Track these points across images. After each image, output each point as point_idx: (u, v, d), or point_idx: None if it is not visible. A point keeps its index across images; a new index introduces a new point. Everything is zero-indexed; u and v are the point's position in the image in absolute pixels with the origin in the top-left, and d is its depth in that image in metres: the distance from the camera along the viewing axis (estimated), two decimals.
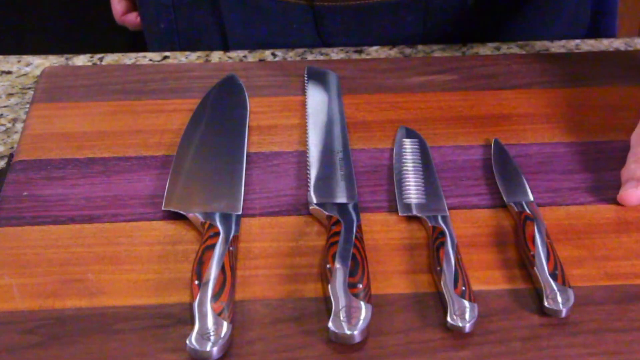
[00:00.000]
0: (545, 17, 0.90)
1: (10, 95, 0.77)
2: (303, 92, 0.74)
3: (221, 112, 0.71)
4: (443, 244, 0.56)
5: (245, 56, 0.83)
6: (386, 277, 0.56)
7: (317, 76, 0.76)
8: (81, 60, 0.82)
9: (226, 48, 0.88)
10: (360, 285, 0.53)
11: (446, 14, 0.86)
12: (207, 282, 0.53)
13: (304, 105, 0.73)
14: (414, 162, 0.66)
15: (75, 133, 0.69)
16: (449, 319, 0.51)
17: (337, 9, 0.85)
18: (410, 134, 0.69)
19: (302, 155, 0.67)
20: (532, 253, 0.56)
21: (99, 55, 0.82)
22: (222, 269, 0.54)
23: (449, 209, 0.61)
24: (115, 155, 0.67)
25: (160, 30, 0.92)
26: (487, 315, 0.53)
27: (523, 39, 0.86)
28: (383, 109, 0.73)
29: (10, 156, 0.68)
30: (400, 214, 0.61)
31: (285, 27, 0.87)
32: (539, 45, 0.85)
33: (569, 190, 0.64)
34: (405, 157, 0.66)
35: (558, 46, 0.85)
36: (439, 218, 0.60)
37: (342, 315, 0.51)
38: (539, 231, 0.57)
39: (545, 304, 0.53)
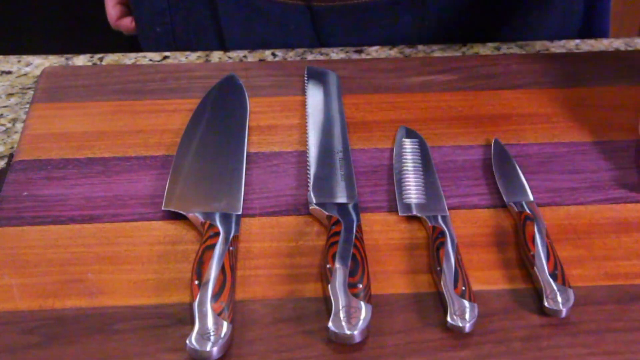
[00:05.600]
0: (539, 11, 0.90)
1: (10, 95, 0.77)
2: (303, 92, 0.74)
3: (221, 112, 0.71)
4: (443, 244, 0.56)
5: (245, 56, 0.83)
6: (386, 277, 0.56)
7: (317, 76, 0.76)
8: (81, 60, 0.82)
9: (223, 49, 0.88)
10: (360, 285, 0.53)
11: (444, 13, 0.86)
12: (207, 282, 0.52)
13: (304, 105, 0.73)
14: (414, 162, 0.66)
15: (75, 133, 0.69)
16: (449, 319, 0.51)
17: (334, 9, 0.85)
18: (410, 134, 0.69)
19: (302, 155, 0.67)
20: (532, 253, 0.56)
21: (99, 55, 0.82)
22: (222, 269, 0.54)
23: (449, 209, 0.61)
24: (115, 155, 0.67)
25: (156, 34, 0.92)
26: (487, 315, 0.53)
27: (518, 34, 0.86)
28: (383, 109, 0.73)
29: (10, 156, 0.68)
30: (400, 214, 0.61)
31: (283, 28, 0.87)
32: (539, 45, 0.85)
33: (569, 190, 0.64)
34: (405, 157, 0.66)
35: (558, 46, 0.85)
36: (439, 218, 0.60)
37: (342, 315, 0.51)
38: (539, 231, 0.57)
39: (545, 304, 0.53)
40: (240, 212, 0.60)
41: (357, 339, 0.50)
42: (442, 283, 0.54)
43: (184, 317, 0.53)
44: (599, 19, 0.95)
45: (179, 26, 0.90)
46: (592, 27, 0.93)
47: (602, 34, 0.94)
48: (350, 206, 0.60)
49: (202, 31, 0.90)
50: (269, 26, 0.87)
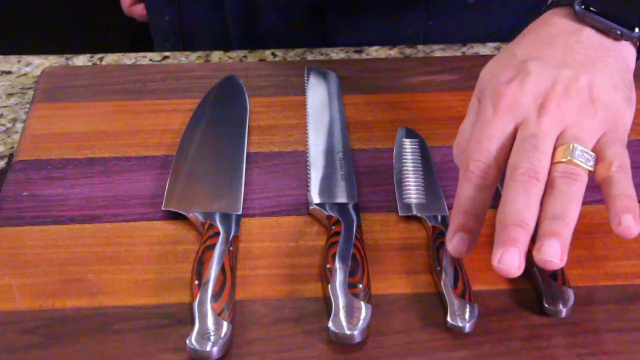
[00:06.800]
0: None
1: (10, 95, 0.77)
2: (303, 92, 0.74)
3: (221, 112, 0.71)
4: (443, 244, 0.56)
5: (245, 56, 0.83)
6: (386, 277, 0.56)
7: (317, 76, 0.76)
8: (81, 60, 0.82)
9: (229, 43, 0.89)
10: (360, 285, 0.53)
11: (448, 12, 0.86)
12: (207, 282, 0.53)
13: (304, 105, 0.73)
14: (414, 162, 0.66)
15: (75, 133, 0.69)
16: (449, 319, 0.51)
17: (340, 5, 0.85)
18: (410, 134, 0.69)
19: (302, 155, 0.67)
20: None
21: (99, 55, 0.82)
22: (222, 269, 0.54)
23: (449, 209, 0.61)
24: (115, 155, 0.67)
25: (165, 23, 0.93)
26: (487, 315, 0.53)
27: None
28: (383, 109, 0.73)
29: (10, 156, 0.68)
30: (400, 214, 0.61)
31: (288, 24, 0.87)
32: None
33: None
34: (405, 157, 0.66)
35: None
36: (439, 218, 0.60)
37: (342, 315, 0.51)
38: None
39: (545, 304, 0.53)
40: (240, 212, 0.60)
41: (357, 339, 0.50)
42: (442, 283, 0.54)
43: (184, 317, 0.53)
44: None
45: (187, 17, 0.91)
46: None
47: None
48: (350, 206, 0.60)
49: (208, 24, 0.91)
50: (274, 20, 0.87)
